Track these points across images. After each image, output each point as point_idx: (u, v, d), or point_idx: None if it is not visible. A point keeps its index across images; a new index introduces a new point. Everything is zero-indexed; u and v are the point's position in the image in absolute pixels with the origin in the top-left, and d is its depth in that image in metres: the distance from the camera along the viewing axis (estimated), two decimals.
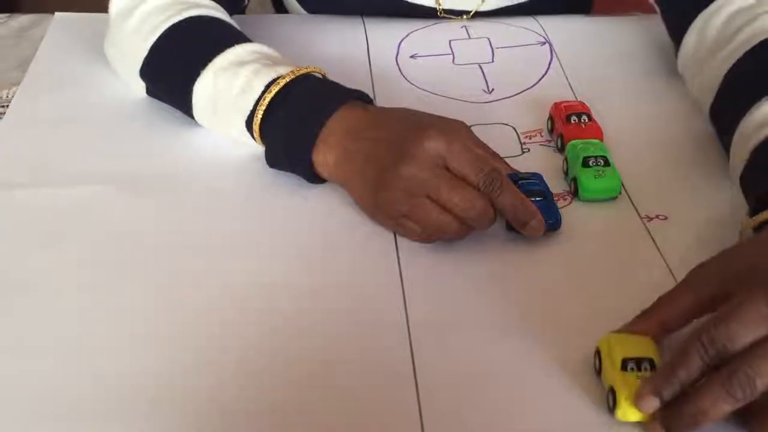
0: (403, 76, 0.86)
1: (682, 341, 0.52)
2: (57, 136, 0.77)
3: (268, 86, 0.69)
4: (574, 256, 0.65)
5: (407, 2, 0.93)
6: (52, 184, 0.71)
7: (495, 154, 0.67)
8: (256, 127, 0.70)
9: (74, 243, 0.66)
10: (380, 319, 0.60)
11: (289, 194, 0.70)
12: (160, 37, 0.75)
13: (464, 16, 0.94)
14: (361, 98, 0.71)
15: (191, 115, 0.75)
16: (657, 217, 0.69)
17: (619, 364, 0.54)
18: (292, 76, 0.70)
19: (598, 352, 0.56)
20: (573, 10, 0.98)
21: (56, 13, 0.95)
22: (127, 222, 0.68)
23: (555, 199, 0.68)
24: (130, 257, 0.65)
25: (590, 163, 0.70)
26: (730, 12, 0.76)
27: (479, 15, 0.94)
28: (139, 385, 0.55)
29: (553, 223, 0.66)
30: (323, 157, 0.68)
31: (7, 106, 0.81)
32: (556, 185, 0.72)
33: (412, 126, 0.65)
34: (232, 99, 0.71)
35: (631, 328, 0.56)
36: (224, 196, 0.71)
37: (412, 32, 0.92)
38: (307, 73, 0.71)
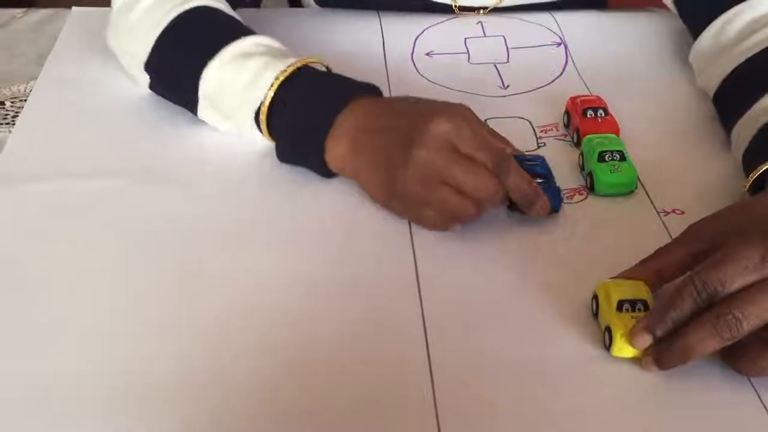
0: (419, 73, 0.86)
1: (676, 284, 0.56)
2: (74, 130, 0.77)
3: (277, 77, 0.70)
4: (590, 250, 0.65)
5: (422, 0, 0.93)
6: (69, 177, 0.71)
7: (499, 135, 0.68)
8: (263, 117, 0.70)
9: (88, 237, 0.66)
10: (395, 311, 0.60)
11: (300, 188, 0.70)
12: (162, 32, 0.75)
13: (481, 11, 0.94)
14: (371, 91, 0.71)
15: (195, 112, 0.75)
16: (673, 211, 0.69)
17: (615, 305, 0.57)
18: (298, 65, 0.70)
19: (595, 296, 0.59)
20: (589, 6, 0.98)
21: (73, 8, 0.95)
22: (142, 216, 0.68)
23: (565, 193, 0.68)
24: (143, 251, 0.65)
25: (606, 157, 0.70)
26: (751, 17, 0.77)
27: (495, 10, 0.94)
28: (149, 379, 0.55)
29: (554, 205, 0.66)
30: (334, 150, 0.68)
31: (25, 100, 0.82)
32: (572, 180, 0.72)
33: (418, 113, 0.65)
34: (239, 93, 0.71)
35: (628, 274, 0.60)
36: (237, 190, 0.71)
37: (427, 28, 0.92)
38: (312, 63, 0.71)
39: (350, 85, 0.70)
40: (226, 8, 0.78)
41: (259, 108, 0.70)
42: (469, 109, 0.67)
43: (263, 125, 0.70)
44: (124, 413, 0.53)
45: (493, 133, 0.67)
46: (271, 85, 0.69)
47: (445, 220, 0.65)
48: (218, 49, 0.72)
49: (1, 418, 0.53)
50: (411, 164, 0.64)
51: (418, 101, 0.69)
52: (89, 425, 0.52)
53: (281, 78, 0.69)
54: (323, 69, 0.73)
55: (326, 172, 0.70)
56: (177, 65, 0.75)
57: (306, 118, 0.69)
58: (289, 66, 0.70)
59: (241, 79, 0.71)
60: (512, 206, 0.66)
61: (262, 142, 0.73)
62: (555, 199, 0.67)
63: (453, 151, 0.63)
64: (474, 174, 0.63)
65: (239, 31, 0.74)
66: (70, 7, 0.96)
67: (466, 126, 0.64)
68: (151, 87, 0.78)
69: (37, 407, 0.53)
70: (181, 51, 0.75)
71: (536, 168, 0.67)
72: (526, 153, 0.70)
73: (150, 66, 0.76)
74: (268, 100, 0.69)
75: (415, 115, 0.66)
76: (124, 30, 0.78)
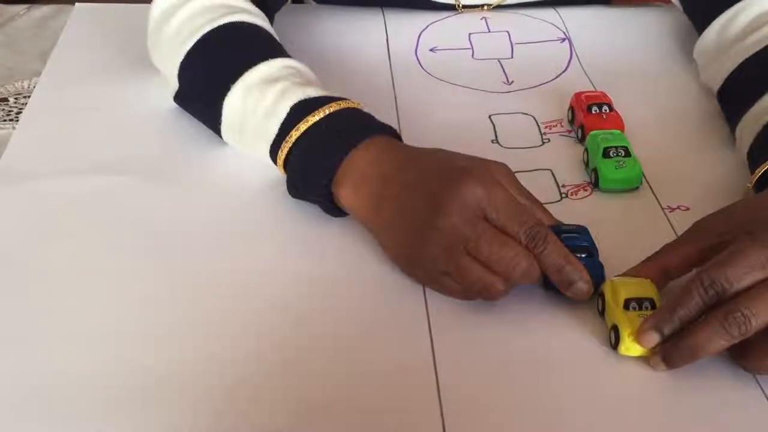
0: (423, 68, 0.86)
1: (683, 282, 0.55)
2: (77, 127, 0.77)
3: (294, 108, 0.66)
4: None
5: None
6: (72, 174, 0.71)
7: (537, 202, 0.62)
8: (280, 159, 0.66)
9: (90, 234, 0.66)
10: (399, 310, 0.60)
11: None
12: (195, 45, 0.72)
13: (485, 7, 0.94)
14: (389, 133, 0.66)
15: (219, 132, 0.72)
16: (678, 207, 0.69)
17: (622, 303, 0.57)
18: (323, 114, 0.65)
19: (601, 294, 0.59)
20: (594, 2, 0.98)
21: (76, 4, 0.95)
22: (144, 215, 0.68)
23: (570, 189, 0.68)
24: (146, 250, 0.64)
25: (611, 153, 0.70)
26: (756, 13, 0.76)
27: (499, 7, 0.94)
28: (149, 378, 0.55)
29: (597, 284, 0.59)
30: (347, 194, 0.64)
31: (29, 96, 0.82)
32: (576, 176, 0.72)
33: (448, 172, 0.60)
34: (257, 121, 0.68)
35: (634, 272, 0.59)
36: (242, 190, 0.70)
37: (431, 24, 0.92)
38: (339, 109, 0.66)
39: (367, 123, 0.66)
40: (262, 23, 0.75)
41: (275, 143, 0.67)
42: (504, 169, 0.62)
43: (280, 160, 0.67)
44: (124, 413, 0.53)
45: (531, 199, 0.62)
46: (289, 122, 0.66)
47: (468, 293, 0.59)
48: (243, 71, 0.69)
49: (2, 418, 0.52)
50: (435, 230, 0.58)
51: (448, 157, 0.62)
52: (89, 425, 0.52)
53: (302, 128, 0.65)
54: (350, 107, 0.67)
55: (333, 210, 0.66)
56: (201, 86, 0.73)
57: (316, 153, 0.64)
58: (308, 106, 0.66)
59: (260, 107, 0.68)
60: (548, 283, 0.59)
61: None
62: (597, 277, 0.59)
63: (483, 221, 0.58)
64: (505, 249, 0.57)
65: (269, 50, 0.71)
66: (73, 3, 0.96)
67: (500, 192, 0.58)
68: (176, 99, 0.76)
69: (37, 407, 0.53)
70: (208, 70, 0.72)
71: (577, 241, 0.60)
72: (566, 224, 0.62)
73: (180, 81, 0.74)
74: (289, 144, 0.66)
75: (445, 174, 0.59)
76: (158, 45, 0.77)
